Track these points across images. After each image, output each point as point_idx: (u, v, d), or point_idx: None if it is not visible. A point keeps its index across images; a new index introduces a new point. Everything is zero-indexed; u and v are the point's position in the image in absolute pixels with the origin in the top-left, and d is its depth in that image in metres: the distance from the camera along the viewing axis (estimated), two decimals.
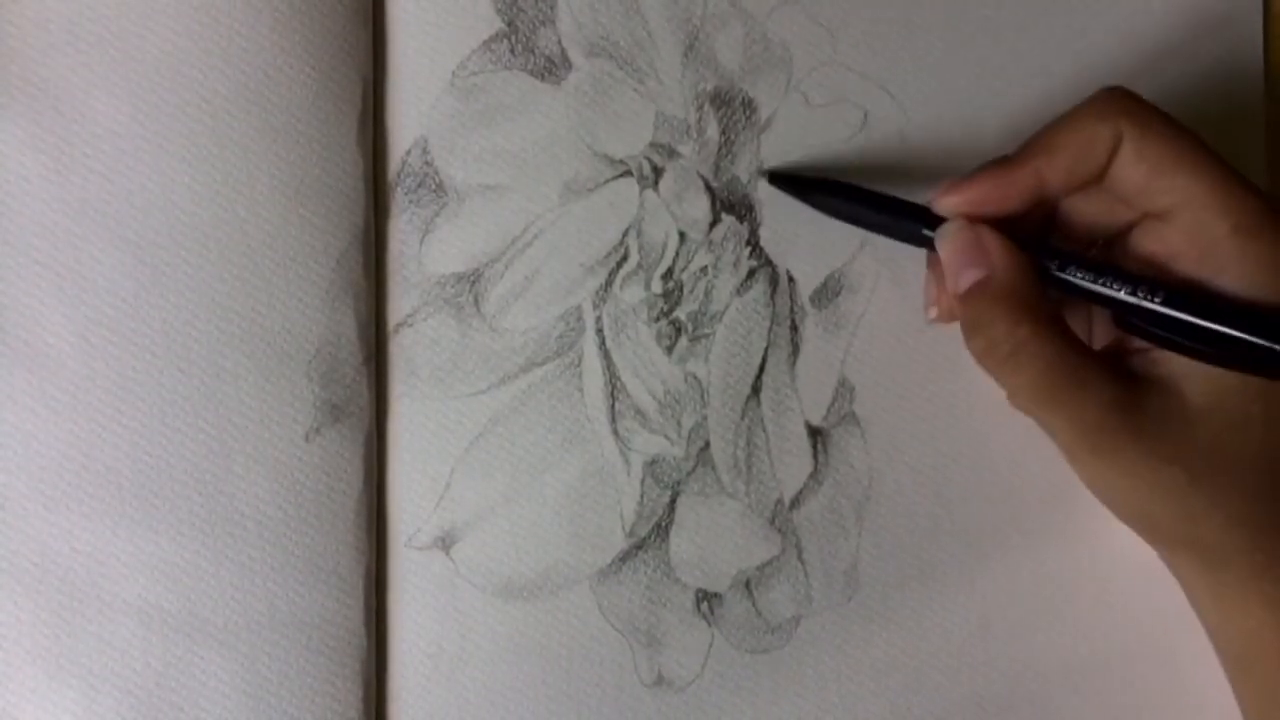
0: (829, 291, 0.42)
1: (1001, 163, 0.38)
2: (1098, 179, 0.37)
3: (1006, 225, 0.38)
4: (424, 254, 0.40)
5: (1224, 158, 0.36)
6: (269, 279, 0.39)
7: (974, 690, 0.42)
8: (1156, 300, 0.36)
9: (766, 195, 0.41)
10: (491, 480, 0.40)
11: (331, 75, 0.39)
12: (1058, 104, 0.42)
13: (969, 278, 0.37)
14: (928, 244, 0.39)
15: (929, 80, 0.42)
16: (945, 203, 0.38)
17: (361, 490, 0.39)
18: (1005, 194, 0.37)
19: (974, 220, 0.38)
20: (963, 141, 0.42)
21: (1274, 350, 0.35)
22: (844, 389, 0.42)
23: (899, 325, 0.42)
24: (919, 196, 0.40)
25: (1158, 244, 0.37)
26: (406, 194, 0.40)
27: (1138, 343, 0.38)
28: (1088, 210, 0.39)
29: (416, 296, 0.40)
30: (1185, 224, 0.36)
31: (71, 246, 0.38)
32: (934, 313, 0.40)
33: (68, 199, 0.38)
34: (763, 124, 0.41)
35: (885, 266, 0.42)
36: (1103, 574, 0.42)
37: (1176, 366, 0.37)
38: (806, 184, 0.40)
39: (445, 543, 0.40)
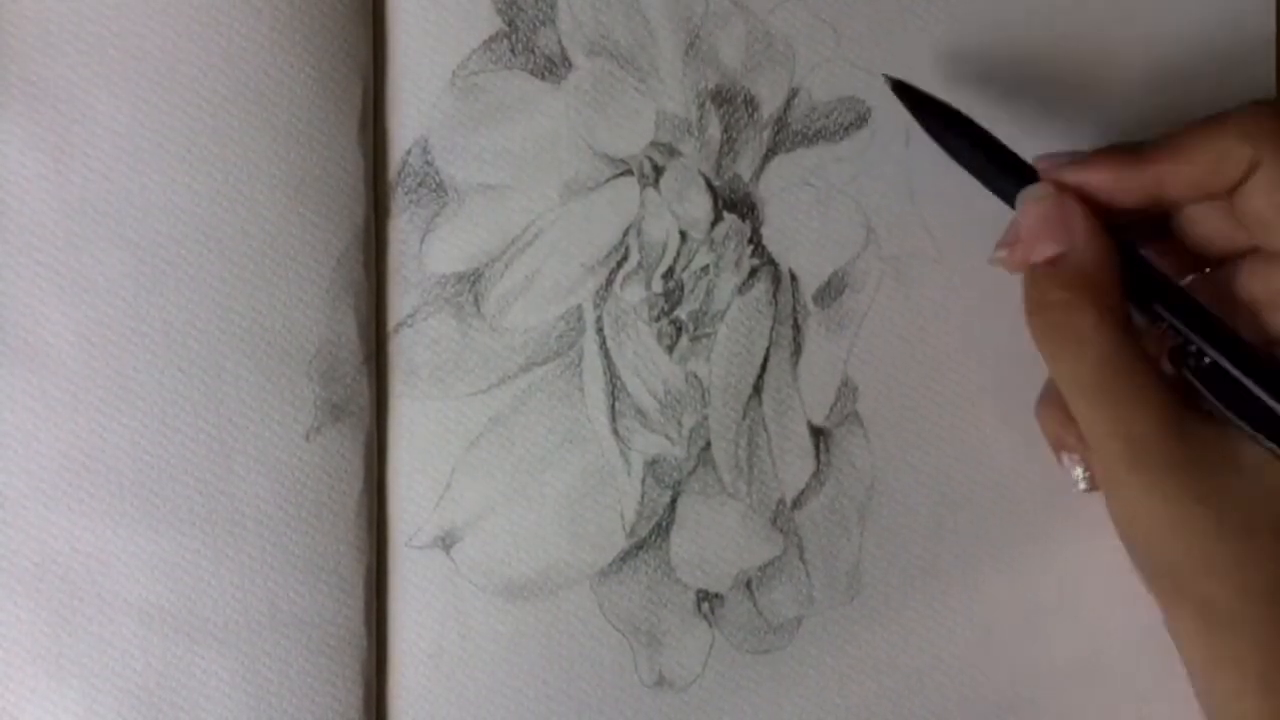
0: (832, 290, 0.42)
1: (1126, 153, 0.36)
2: (1225, 194, 0.35)
3: (1116, 210, 0.36)
4: (424, 254, 0.40)
5: None
6: (269, 279, 0.39)
7: (976, 690, 0.42)
8: (1217, 351, 0.34)
9: (769, 193, 0.41)
10: (491, 480, 0.40)
11: (331, 75, 0.39)
12: (1063, 101, 0.42)
13: (1045, 250, 0.35)
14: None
15: (933, 76, 0.42)
16: (1060, 178, 0.36)
17: (361, 490, 0.39)
18: (1121, 188, 0.35)
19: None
20: None
21: None
22: (846, 389, 0.42)
23: (902, 325, 0.42)
24: (922, 196, 0.40)
25: (1261, 286, 0.35)
26: (406, 194, 0.40)
27: None
28: (1207, 222, 0.37)
29: (416, 296, 0.40)
30: None
31: (71, 246, 0.38)
32: (1002, 253, 0.37)
33: (68, 199, 0.38)
34: (765, 121, 0.41)
35: (889, 265, 0.42)
36: (1104, 574, 0.41)
37: None
38: (923, 100, 0.38)
39: (445, 542, 0.40)
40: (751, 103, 0.41)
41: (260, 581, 0.39)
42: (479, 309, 0.40)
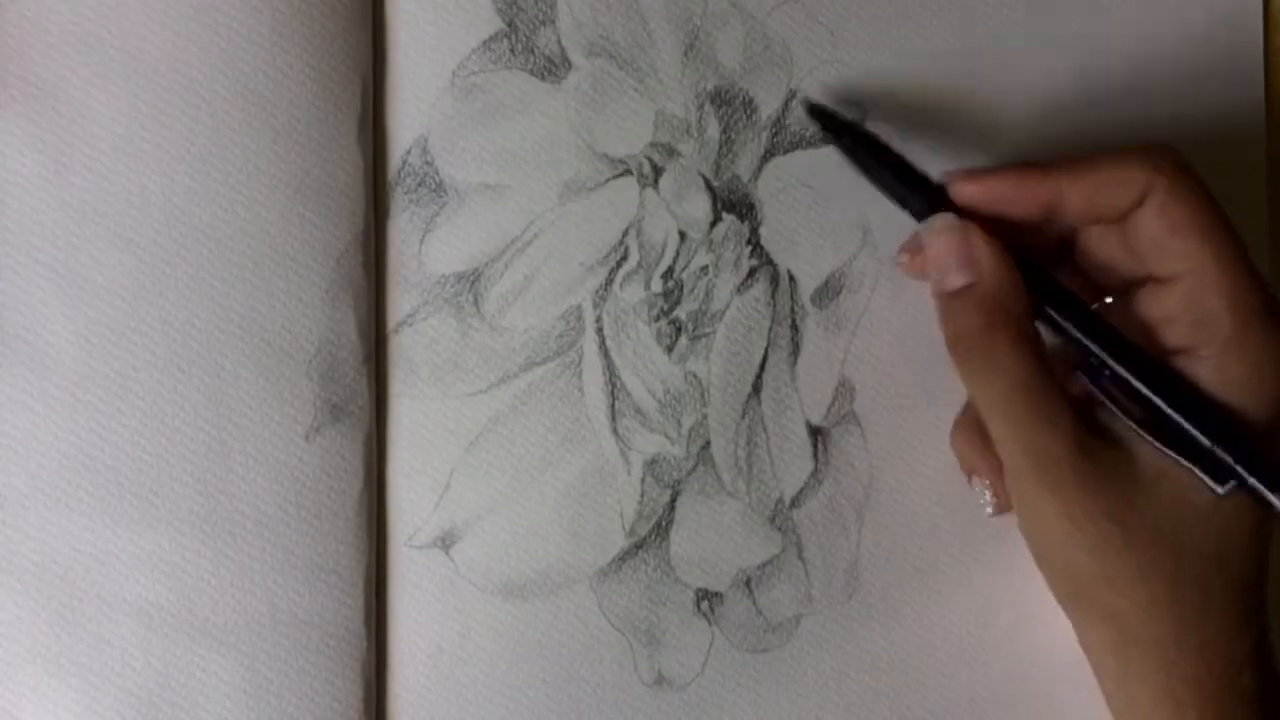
0: (830, 291, 0.42)
1: (1027, 166, 0.37)
2: (1117, 219, 0.37)
3: (1019, 235, 0.37)
4: (424, 254, 0.40)
5: (1240, 238, 0.36)
6: (269, 279, 0.39)
7: (974, 688, 0.42)
8: (1120, 365, 0.36)
9: (767, 194, 0.41)
10: (491, 480, 0.40)
11: (331, 75, 0.39)
12: (1059, 104, 0.42)
13: (955, 280, 0.37)
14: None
15: (929, 79, 0.42)
16: (961, 189, 0.38)
17: (361, 490, 0.39)
18: (1022, 197, 0.37)
19: (983, 215, 0.37)
20: (963, 141, 0.42)
21: (1213, 461, 0.35)
22: (844, 388, 0.42)
23: (899, 325, 0.42)
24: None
25: (1155, 309, 0.37)
26: (406, 194, 0.40)
27: None
28: (1102, 253, 0.38)
29: (416, 296, 0.40)
30: (1186, 294, 0.36)
31: (71, 246, 0.38)
32: (903, 258, 0.40)
33: (67, 199, 0.38)
34: (764, 123, 0.41)
35: (886, 266, 0.42)
36: None
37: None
38: (838, 124, 0.40)
39: (445, 542, 0.40)
40: (750, 104, 0.41)
41: (260, 581, 0.38)
42: (479, 309, 0.40)
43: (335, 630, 0.39)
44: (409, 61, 0.40)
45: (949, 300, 0.37)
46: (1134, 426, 0.36)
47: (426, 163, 0.40)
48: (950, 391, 0.42)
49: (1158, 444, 0.36)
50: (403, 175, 0.40)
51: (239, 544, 0.38)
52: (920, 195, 0.38)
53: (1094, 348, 0.37)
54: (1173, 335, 0.37)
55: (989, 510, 0.40)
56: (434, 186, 0.40)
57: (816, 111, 0.40)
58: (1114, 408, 0.37)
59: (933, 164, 0.42)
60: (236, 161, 0.38)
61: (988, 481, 0.40)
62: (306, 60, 0.39)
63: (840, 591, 0.42)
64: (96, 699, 0.38)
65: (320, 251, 0.39)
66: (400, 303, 0.40)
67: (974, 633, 0.42)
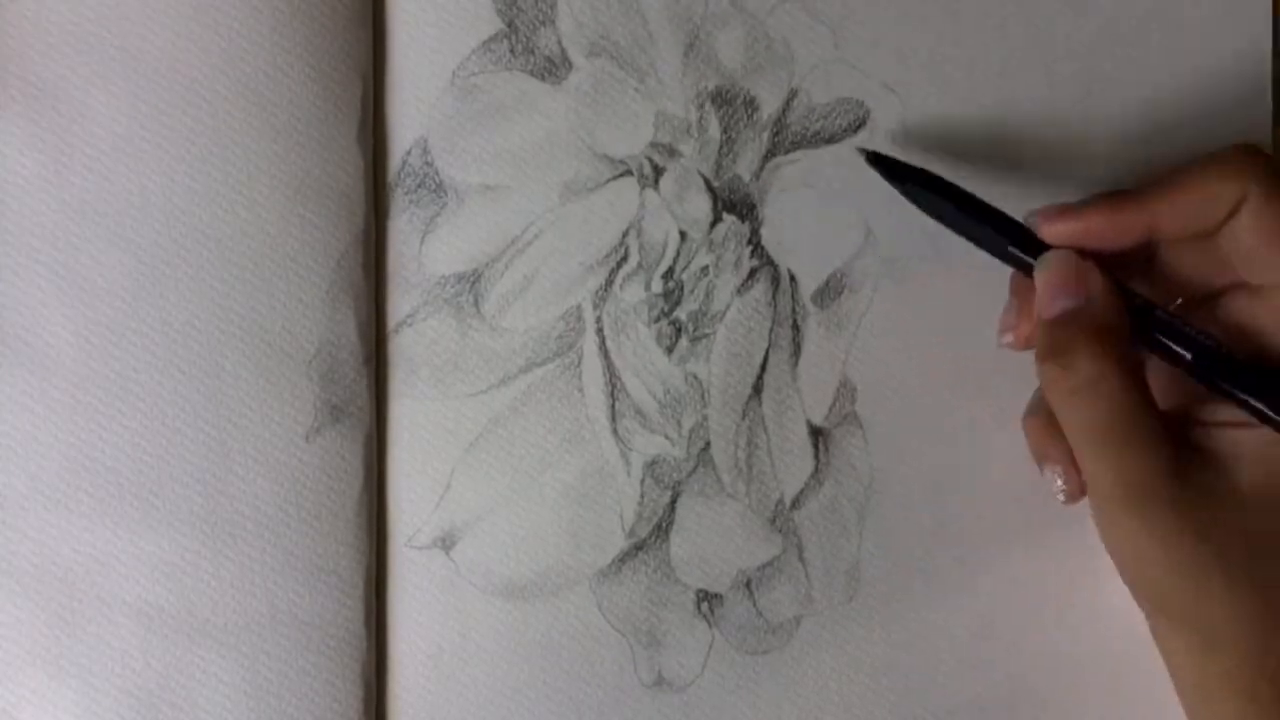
0: (831, 291, 0.42)
1: (1117, 198, 0.37)
2: (1210, 233, 0.37)
3: (1101, 259, 0.37)
4: (424, 254, 0.40)
5: None
6: (269, 279, 0.39)
7: (975, 690, 0.42)
8: (1227, 383, 0.36)
9: (768, 194, 0.41)
10: (491, 480, 0.40)
11: (331, 75, 0.39)
12: (1059, 102, 0.42)
13: (1061, 305, 0.37)
14: (1017, 263, 0.38)
15: (931, 77, 0.42)
16: (1053, 230, 0.37)
17: (361, 490, 0.39)
18: (1115, 231, 0.37)
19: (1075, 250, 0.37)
20: (965, 139, 0.42)
21: None
22: (845, 389, 0.42)
23: (901, 325, 0.42)
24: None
25: (1246, 317, 0.37)
26: (406, 194, 0.40)
27: (1202, 414, 0.37)
28: (1186, 262, 0.38)
29: (416, 296, 0.40)
30: (1278, 303, 0.36)
31: (71, 246, 0.38)
32: (1009, 338, 0.39)
33: (67, 199, 0.38)
34: (765, 123, 0.41)
35: (887, 266, 0.42)
36: (1102, 574, 0.41)
37: (1233, 446, 0.36)
38: (905, 172, 0.39)
39: (445, 543, 0.40)
40: (751, 104, 0.41)
41: (260, 582, 0.38)
42: (479, 309, 0.40)
43: (335, 630, 0.39)
44: (409, 62, 0.40)
45: (1054, 329, 0.37)
46: (1250, 399, 0.36)
47: (426, 163, 0.40)
48: (952, 392, 0.42)
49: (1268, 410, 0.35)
50: (403, 176, 0.40)
51: (239, 544, 0.38)
52: (1008, 238, 0.38)
53: (1194, 367, 0.37)
54: (1262, 344, 0.37)
55: (1061, 498, 0.39)
56: (434, 187, 0.40)
57: (880, 161, 0.40)
58: (1228, 398, 0.36)
59: (934, 160, 0.42)
60: (236, 162, 0.38)
61: (1060, 469, 0.39)
62: (306, 60, 0.39)
63: (841, 593, 0.41)
64: (96, 699, 0.38)
65: (320, 252, 0.39)
66: (400, 303, 0.40)
67: (975, 634, 0.42)
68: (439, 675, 0.40)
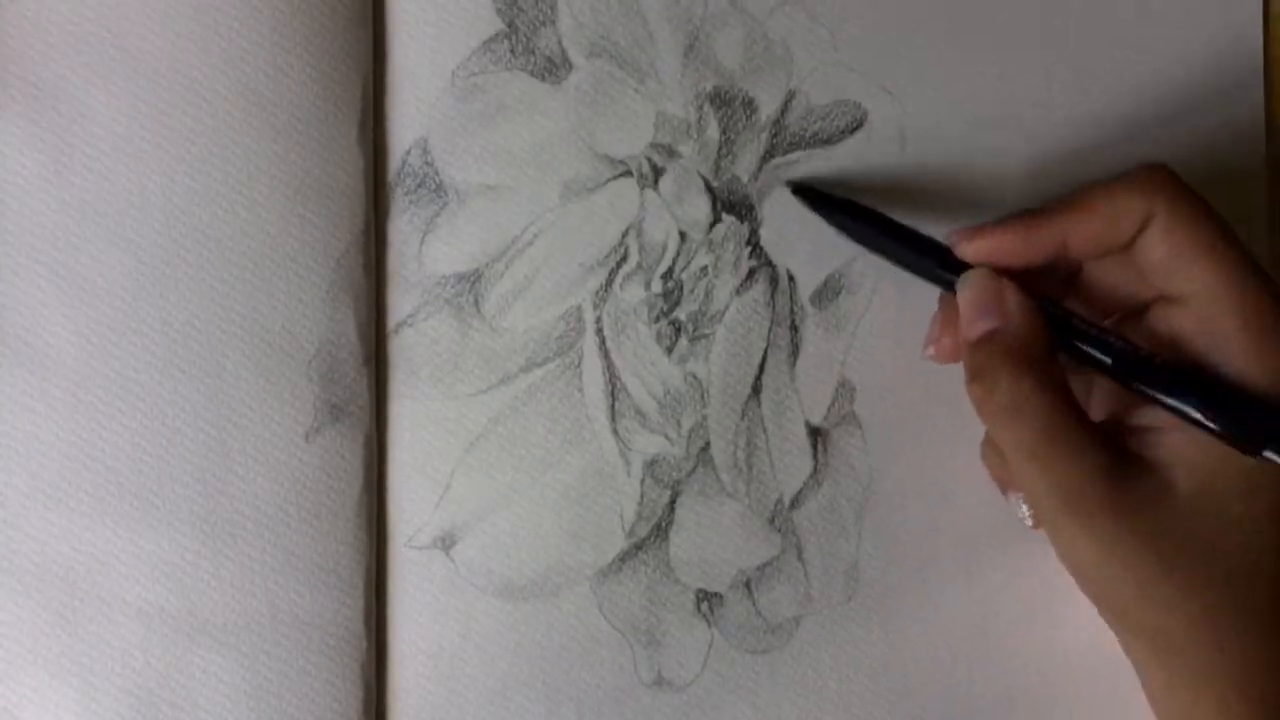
0: (829, 292, 0.42)
1: (1028, 215, 0.38)
2: (1123, 249, 0.37)
3: (1025, 279, 0.38)
4: (424, 254, 0.40)
5: (1248, 251, 0.36)
6: (269, 279, 0.39)
7: (973, 689, 0.42)
8: (1151, 388, 0.37)
9: (767, 195, 0.41)
10: (491, 480, 0.40)
11: (331, 75, 0.39)
12: (1057, 105, 0.42)
13: (981, 326, 0.37)
14: (941, 282, 0.39)
15: (929, 80, 0.42)
16: (967, 248, 0.38)
17: (361, 490, 0.39)
18: (1028, 247, 0.38)
19: (993, 268, 0.38)
20: (963, 141, 0.42)
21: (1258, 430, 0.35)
22: (844, 389, 0.42)
23: (899, 326, 0.42)
24: (920, 203, 0.40)
25: (1168, 327, 0.37)
26: (406, 194, 0.40)
27: (1134, 420, 0.38)
28: (1109, 279, 0.39)
29: (416, 296, 0.40)
30: (1197, 312, 0.36)
31: (71, 246, 0.38)
32: (931, 350, 0.40)
33: (67, 199, 0.38)
34: (763, 124, 0.41)
35: (886, 267, 0.42)
36: None
37: (1169, 452, 0.36)
38: (829, 202, 0.40)
39: (445, 543, 0.40)
40: (750, 105, 0.41)
41: (260, 582, 0.38)
42: (479, 309, 0.40)
43: (335, 630, 0.39)
44: (409, 62, 0.40)
45: (976, 351, 0.37)
46: (1179, 406, 0.36)
47: (427, 163, 0.40)
48: (950, 392, 0.42)
49: (1203, 419, 0.36)
50: (403, 176, 0.40)
51: (239, 544, 0.38)
52: (930, 259, 0.39)
53: (1115, 371, 0.37)
54: (1188, 352, 0.37)
55: (1029, 523, 0.40)
56: (434, 187, 0.40)
57: (804, 192, 0.41)
58: (1157, 403, 0.37)
59: (932, 162, 0.42)
60: (236, 161, 0.38)
61: (1021, 495, 0.40)
62: (306, 60, 0.39)
63: (840, 592, 0.42)
64: (96, 699, 0.38)
65: (320, 252, 0.39)
66: (400, 303, 0.40)
67: (973, 634, 0.42)
68: (439, 675, 0.40)
